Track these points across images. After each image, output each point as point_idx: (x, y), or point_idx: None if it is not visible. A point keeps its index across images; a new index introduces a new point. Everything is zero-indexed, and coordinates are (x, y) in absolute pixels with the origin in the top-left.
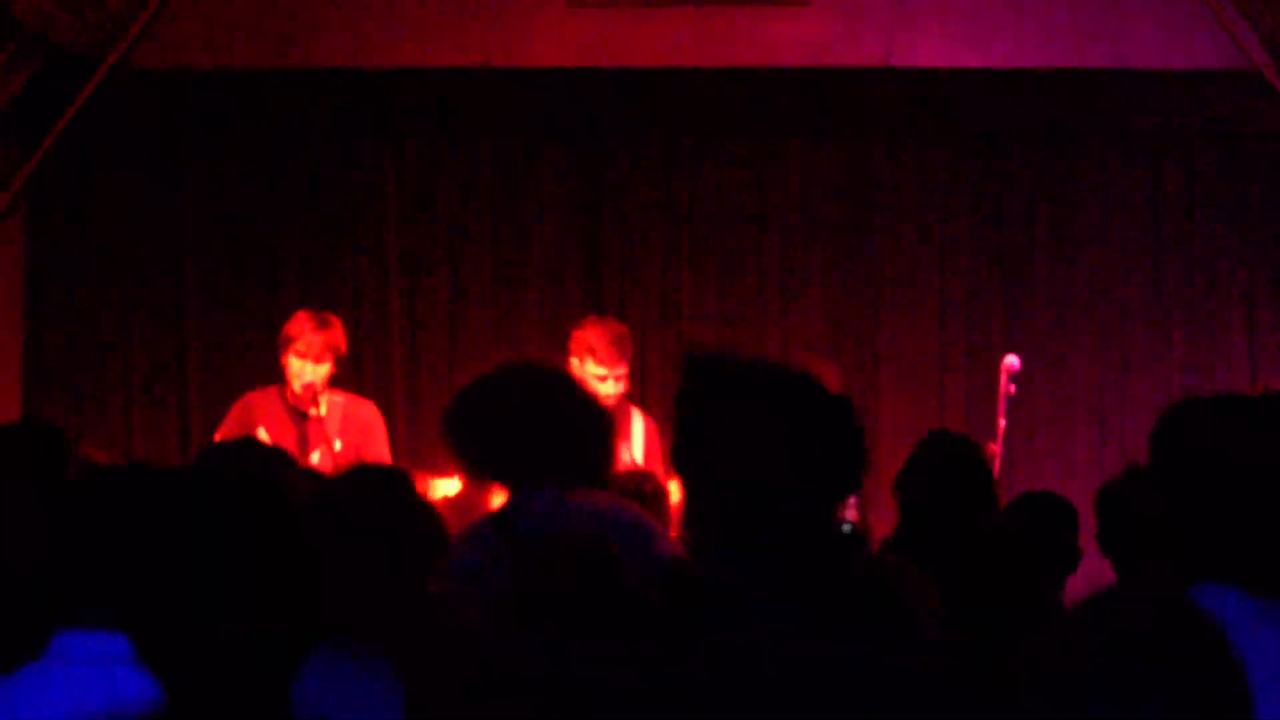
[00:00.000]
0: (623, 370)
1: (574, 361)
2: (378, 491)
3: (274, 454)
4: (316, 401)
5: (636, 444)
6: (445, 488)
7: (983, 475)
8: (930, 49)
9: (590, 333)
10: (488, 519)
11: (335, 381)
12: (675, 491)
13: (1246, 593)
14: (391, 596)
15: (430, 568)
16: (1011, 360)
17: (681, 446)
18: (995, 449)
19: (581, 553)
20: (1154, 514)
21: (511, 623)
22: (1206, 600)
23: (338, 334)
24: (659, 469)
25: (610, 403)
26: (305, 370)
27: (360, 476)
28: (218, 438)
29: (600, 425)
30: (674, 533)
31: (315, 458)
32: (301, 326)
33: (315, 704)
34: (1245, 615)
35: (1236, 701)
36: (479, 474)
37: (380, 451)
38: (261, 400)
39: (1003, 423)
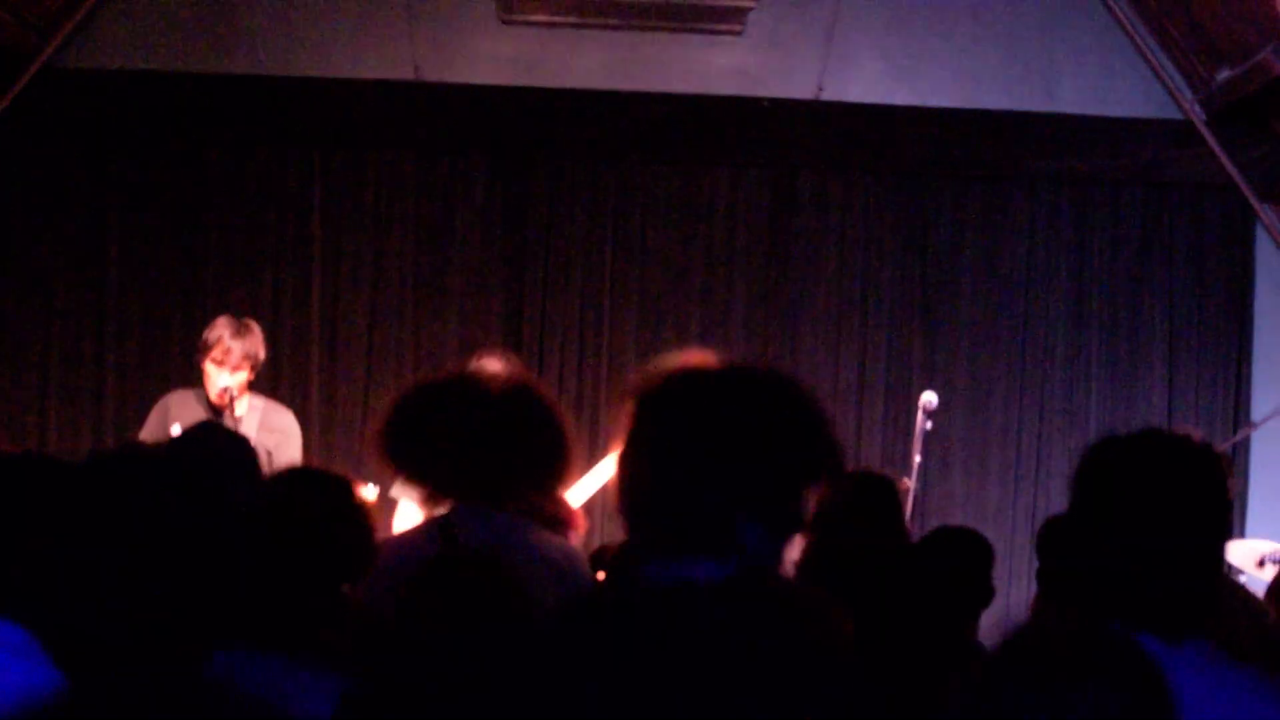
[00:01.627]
0: None
1: None
2: (320, 496)
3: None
4: (234, 405)
5: None
6: (364, 494)
7: (895, 518)
8: (862, 84)
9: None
10: (428, 532)
11: (254, 386)
12: None
13: (1160, 638)
14: (322, 599)
15: (358, 572)
16: (929, 396)
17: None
18: (909, 485)
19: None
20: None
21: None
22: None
23: (256, 341)
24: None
25: None
26: (222, 377)
27: (303, 480)
28: (139, 437)
29: (560, 443)
30: None
31: None
32: (220, 333)
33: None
34: (1161, 651)
35: None
36: (428, 488)
37: (294, 459)
38: (180, 400)
39: (918, 458)
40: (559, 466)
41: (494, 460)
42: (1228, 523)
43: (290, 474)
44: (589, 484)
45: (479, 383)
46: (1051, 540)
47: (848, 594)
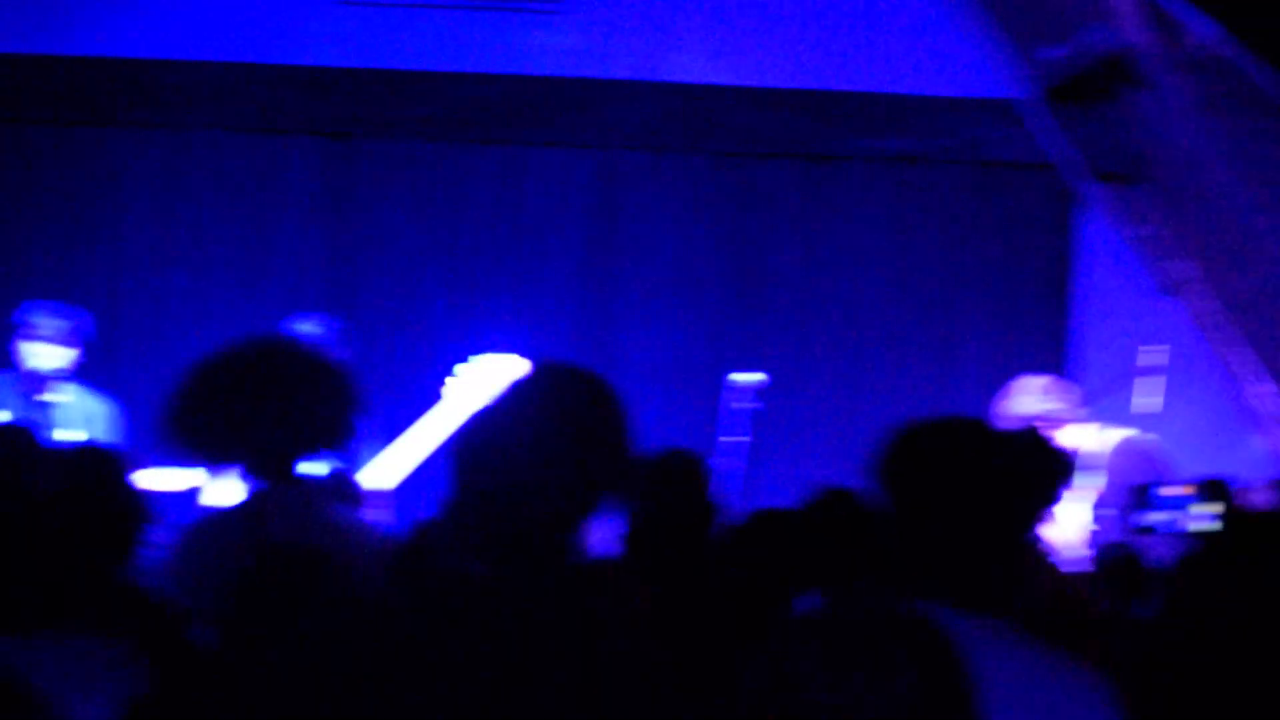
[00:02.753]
0: None
1: None
2: (80, 472)
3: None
4: (50, 388)
5: None
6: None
7: (699, 492)
8: (684, 64)
9: None
10: (234, 513)
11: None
12: None
13: (957, 611)
14: (88, 577)
15: (128, 552)
16: (751, 377)
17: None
18: (733, 465)
19: (322, 563)
20: (859, 535)
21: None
22: (925, 613)
23: (69, 323)
24: None
25: None
26: (36, 355)
27: (68, 457)
28: None
29: (351, 411)
30: None
31: None
32: (32, 313)
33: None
34: (962, 630)
35: (962, 701)
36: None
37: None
38: None
39: (742, 438)
40: (342, 423)
41: (275, 426)
42: (1035, 505)
43: (60, 452)
44: (408, 454)
45: (241, 354)
46: (814, 526)
47: (662, 566)
